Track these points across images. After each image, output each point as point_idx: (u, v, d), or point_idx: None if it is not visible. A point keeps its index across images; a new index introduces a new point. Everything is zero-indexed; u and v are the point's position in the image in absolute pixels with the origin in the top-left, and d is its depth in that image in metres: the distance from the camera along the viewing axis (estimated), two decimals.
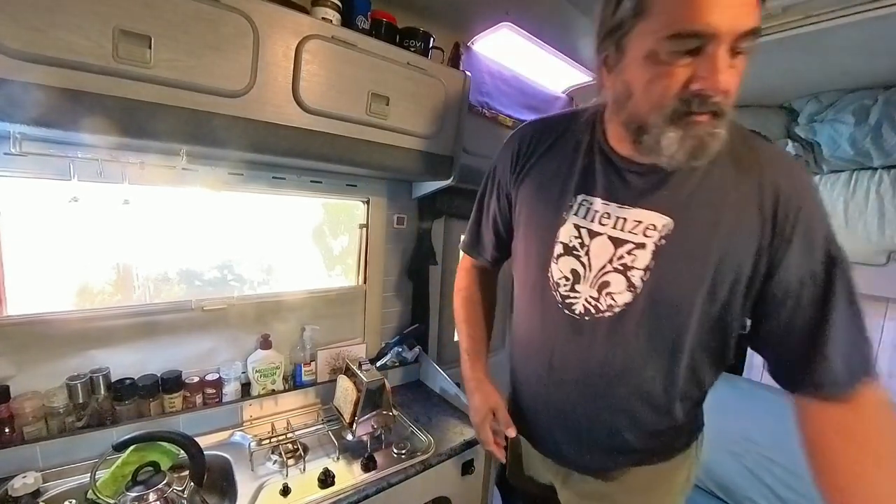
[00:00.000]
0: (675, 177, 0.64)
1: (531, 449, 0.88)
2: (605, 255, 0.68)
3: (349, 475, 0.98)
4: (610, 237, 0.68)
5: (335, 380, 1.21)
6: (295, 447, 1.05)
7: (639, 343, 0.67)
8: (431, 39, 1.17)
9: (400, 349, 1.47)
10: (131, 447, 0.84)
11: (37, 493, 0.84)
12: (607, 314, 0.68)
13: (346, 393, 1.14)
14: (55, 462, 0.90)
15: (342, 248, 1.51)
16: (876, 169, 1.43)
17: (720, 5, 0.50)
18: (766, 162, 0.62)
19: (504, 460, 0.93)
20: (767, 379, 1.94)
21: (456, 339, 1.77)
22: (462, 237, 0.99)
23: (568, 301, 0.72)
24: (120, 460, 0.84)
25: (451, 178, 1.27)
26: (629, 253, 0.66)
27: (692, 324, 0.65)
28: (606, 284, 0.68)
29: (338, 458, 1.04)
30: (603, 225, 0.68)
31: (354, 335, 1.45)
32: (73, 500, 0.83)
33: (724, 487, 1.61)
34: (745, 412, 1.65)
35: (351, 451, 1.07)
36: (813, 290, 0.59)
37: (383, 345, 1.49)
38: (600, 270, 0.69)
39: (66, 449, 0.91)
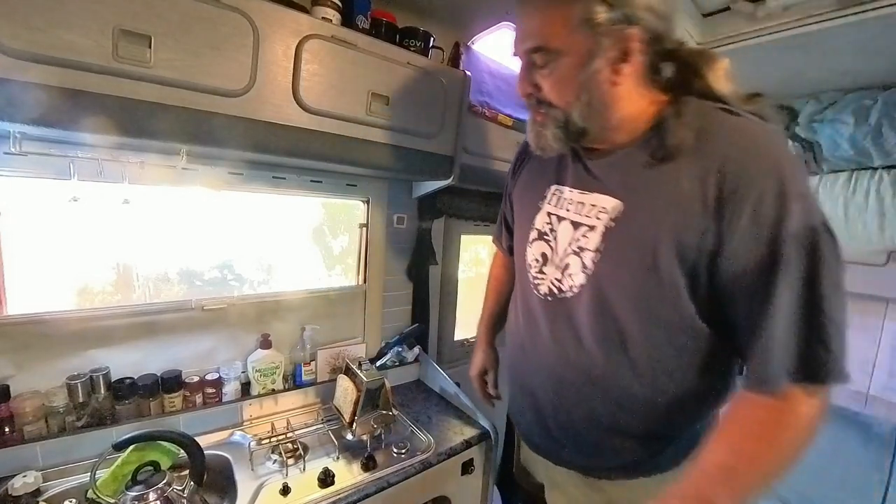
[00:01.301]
0: (629, 161, 0.65)
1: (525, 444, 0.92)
2: (567, 238, 0.71)
3: (349, 475, 0.98)
4: (572, 221, 0.71)
5: (335, 379, 1.21)
6: (295, 447, 1.05)
7: (589, 329, 0.68)
8: (431, 39, 1.17)
9: (400, 349, 1.46)
10: (131, 446, 0.84)
11: (37, 493, 0.84)
12: (568, 295, 0.70)
13: (346, 393, 1.14)
14: (55, 461, 0.90)
15: (342, 248, 1.51)
16: (876, 169, 1.43)
17: (517, 24, 0.66)
18: (722, 137, 0.58)
19: (491, 406, 1.11)
20: None
21: (456, 338, 1.79)
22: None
23: (536, 282, 0.76)
24: (120, 460, 0.84)
25: (452, 178, 1.27)
26: (584, 235, 0.69)
27: (638, 313, 0.63)
28: (567, 266, 0.71)
29: (338, 458, 1.04)
30: (568, 210, 0.73)
31: (354, 335, 1.44)
32: (74, 500, 0.83)
33: None
34: None
35: (351, 450, 1.07)
36: (758, 278, 0.54)
37: (383, 344, 1.48)
38: (563, 253, 0.72)
39: (66, 448, 0.91)
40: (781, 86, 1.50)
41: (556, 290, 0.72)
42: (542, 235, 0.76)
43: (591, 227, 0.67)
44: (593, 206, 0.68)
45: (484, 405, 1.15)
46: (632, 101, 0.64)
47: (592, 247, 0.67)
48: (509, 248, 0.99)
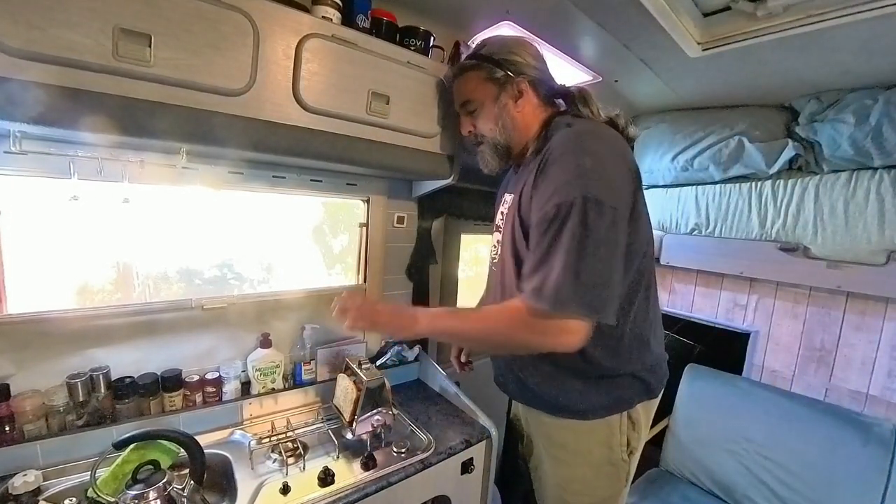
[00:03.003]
0: (524, 169, 0.94)
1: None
2: (501, 225, 1.00)
3: (349, 474, 0.98)
4: (502, 213, 1.01)
5: (335, 378, 1.21)
6: (295, 446, 1.05)
7: (504, 287, 0.95)
8: (432, 38, 1.17)
9: (400, 348, 1.47)
10: (131, 445, 0.84)
11: (37, 492, 0.84)
12: (497, 261, 1.01)
13: (346, 392, 1.14)
14: (55, 460, 0.90)
15: (342, 247, 1.51)
16: (876, 169, 1.43)
17: (454, 92, 1.03)
18: (556, 136, 0.85)
19: (466, 372, 1.25)
20: (767, 379, 1.95)
21: None
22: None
23: (493, 258, 1.04)
24: (120, 458, 0.84)
25: (452, 177, 1.27)
26: (503, 220, 0.99)
27: (513, 268, 0.90)
28: (498, 242, 1.01)
29: (338, 457, 1.04)
30: (504, 207, 1.01)
31: (354, 334, 1.44)
32: (74, 499, 0.83)
33: (723, 486, 1.62)
34: (744, 412, 1.65)
35: (351, 449, 1.08)
36: (538, 229, 0.78)
37: (383, 343, 1.49)
38: (501, 235, 1.00)
39: (66, 447, 0.92)
40: (781, 86, 1.51)
41: (497, 259, 1.01)
42: (498, 228, 1.04)
43: (503, 214, 0.99)
44: (506, 202, 0.99)
45: (477, 407, 1.18)
46: (531, 121, 0.95)
47: (502, 226, 0.98)
48: None
